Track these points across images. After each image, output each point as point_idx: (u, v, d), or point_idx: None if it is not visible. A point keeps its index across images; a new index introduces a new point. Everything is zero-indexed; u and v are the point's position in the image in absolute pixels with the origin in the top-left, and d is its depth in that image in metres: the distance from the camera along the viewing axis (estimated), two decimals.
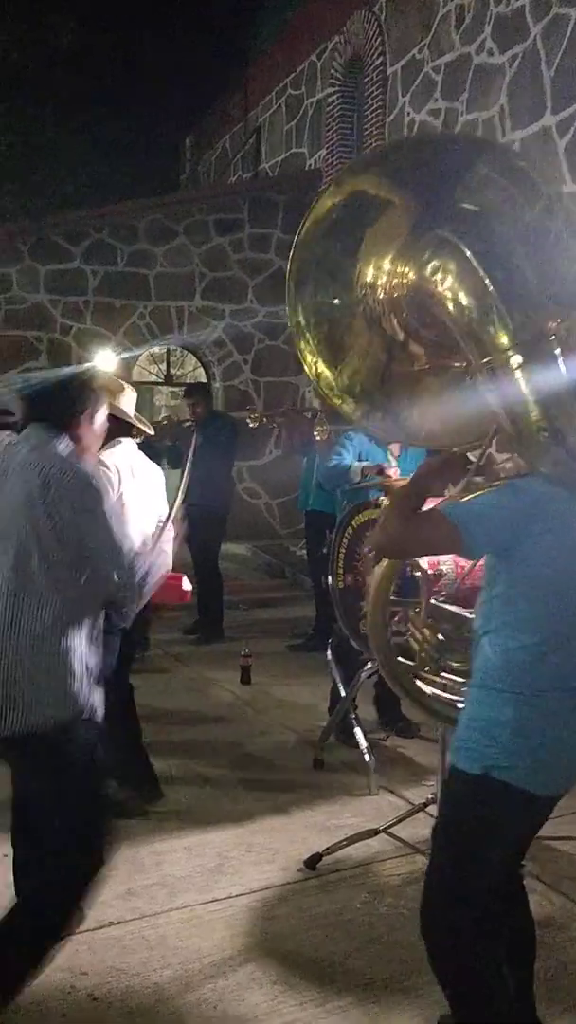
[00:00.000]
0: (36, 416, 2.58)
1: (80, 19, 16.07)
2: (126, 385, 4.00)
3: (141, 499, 3.65)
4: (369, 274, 2.43)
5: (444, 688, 3.00)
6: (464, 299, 2.27)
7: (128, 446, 3.90)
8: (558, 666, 2.16)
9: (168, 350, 12.37)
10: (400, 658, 3.10)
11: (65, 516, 2.41)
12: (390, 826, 3.68)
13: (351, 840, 3.61)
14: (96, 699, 2.52)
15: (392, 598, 3.11)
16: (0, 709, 2.41)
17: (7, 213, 16.19)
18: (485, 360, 2.22)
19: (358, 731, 4.42)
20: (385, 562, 3.00)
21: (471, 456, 2.42)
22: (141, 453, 3.97)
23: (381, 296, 2.41)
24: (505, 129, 8.43)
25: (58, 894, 2.51)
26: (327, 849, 3.56)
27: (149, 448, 7.76)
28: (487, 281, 2.23)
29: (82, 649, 2.48)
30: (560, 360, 2.18)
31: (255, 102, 14.19)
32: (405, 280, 2.38)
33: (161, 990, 2.79)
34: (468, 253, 2.26)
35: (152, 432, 4.18)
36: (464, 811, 2.25)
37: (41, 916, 2.51)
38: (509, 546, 2.15)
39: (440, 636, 2.89)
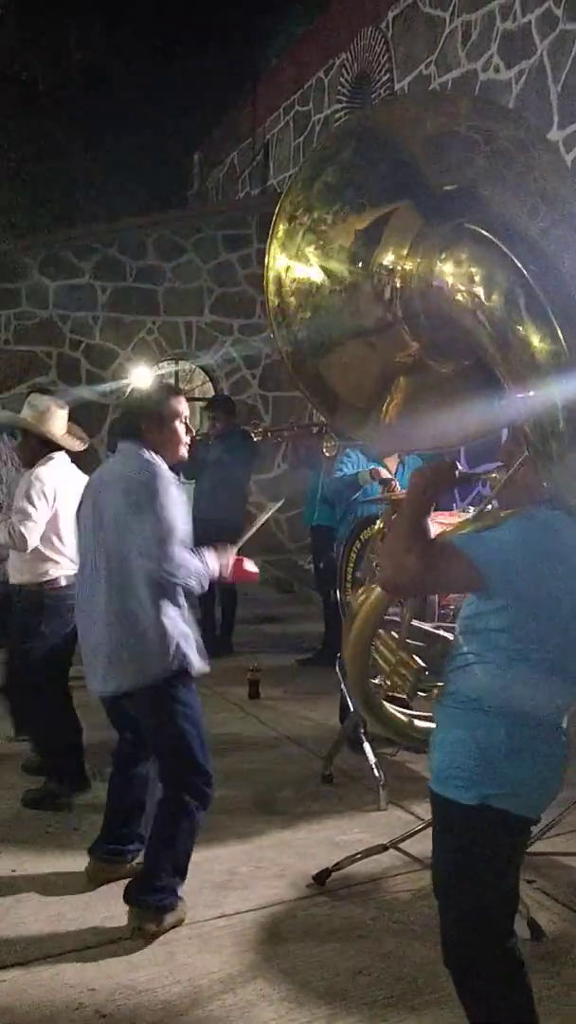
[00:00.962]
0: (120, 434, 3.42)
1: (91, 37, 16.23)
2: (53, 405, 4.35)
3: (72, 508, 3.96)
4: (386, 258, 2.18)
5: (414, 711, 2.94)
6: (495, 301, 1.98)
7: (60, 460, 4.34)
8: (553, 690, 2.12)
9: (177, 364, 12.42)
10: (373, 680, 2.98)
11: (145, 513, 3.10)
12: (399, 841, 3.67)
13: (360, 856, 3.59)
14: (191, 655, 3.22)
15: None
16: (115, 671, 3.20)
17: (17, 228, 16.30)
18: (522, 380, 1.96)
19: (367, 746, 4.40)
20: (377, 593, 2.78)
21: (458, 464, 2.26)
22: (72, 466, 4.38)
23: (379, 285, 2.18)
24: None
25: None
26: (336, 865, 3.55)
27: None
28: (526, 275, 1.93)
29: (174, 618, 3.18)
30: None
31: (263, 118, 14.28)
32: (418, 272, 2.14)
33: (170, 1007, 2.77)
34: (501, 245, 2.00)
35: (83, 447, 4.53)
36: (473, 845, 2.15)
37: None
38: (529, 587, 2.05)
39: (418, 661, 2.75)
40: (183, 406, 3.41)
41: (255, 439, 7.35)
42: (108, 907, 3.32)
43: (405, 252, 2.13)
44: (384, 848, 3.63)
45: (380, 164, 2.19)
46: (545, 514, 2.08)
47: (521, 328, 1.91)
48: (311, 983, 2.90)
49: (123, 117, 17.19)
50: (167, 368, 12.32)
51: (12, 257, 11.17)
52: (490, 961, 2.16)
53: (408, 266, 2.13)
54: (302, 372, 2.34)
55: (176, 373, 12.54)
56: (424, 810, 4.09)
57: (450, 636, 2.47)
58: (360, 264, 2.16)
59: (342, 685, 4.69)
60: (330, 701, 5.34)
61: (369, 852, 3.60)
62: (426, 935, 3.14)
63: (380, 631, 2.86)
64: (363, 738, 4.45)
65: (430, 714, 2.57)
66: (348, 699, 4.61)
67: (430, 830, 3.59)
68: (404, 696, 2.82)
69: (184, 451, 3.43)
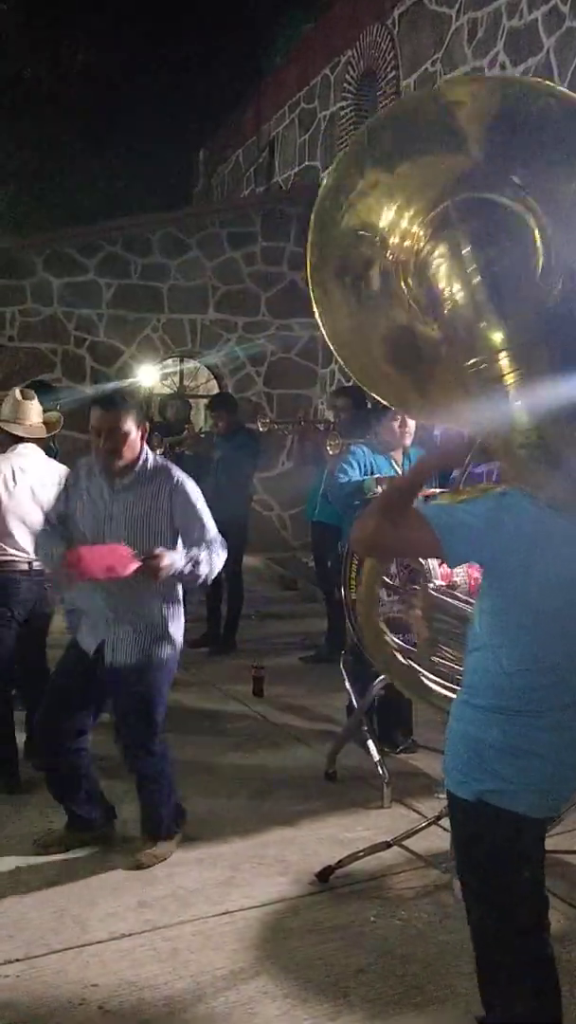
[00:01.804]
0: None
1: (95, 35, 16.22)
2: (15, 396, 4.58)
3: (30, 495, 4.44)
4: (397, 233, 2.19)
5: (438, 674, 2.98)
6: (457, 288, 2.04)
7: (21, 449, 4.50)
8: (548, 687, 2.08)
9: (182, 361, 12.42)
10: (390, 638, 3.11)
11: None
12: (403, 839, 3.66)
13: (364, 853, 3.58)
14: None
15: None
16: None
17: (22, 226, 16.31)
18: (472, 362, 2.03)
19: (371, 743, 4.40)
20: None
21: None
22: (40, 456, 4.57)
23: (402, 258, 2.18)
24: None
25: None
26: (339, 862, 3.54)
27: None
28: (477, 274, 1.99)
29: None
30: (556, 373, 1.99)
31: (268, 116, 14.26)
32: (413, 255, 2.17)
33: (172, 1003, 2.77)
34: (461, 236, 2.02)
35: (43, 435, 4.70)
36: (471, 844, 2.17)
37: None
38: (491, 561, 2.08)
39: (435, 629, 2.86)
40: (94, 418, 3.52)
41: (262, 430, 7.35)
42: (111, 903, 3.33)
43: (414, 223, 2.15)
44: (388, 845, 3.62)
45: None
46: (515, 492, 2.08)
47: (476, 313, 1.98)
48: (314, 980, 2.89)
49: (128, 115, 17.19)
50: (171, 366, 12.33)
51: (17, 254, 11.18)
52: (509, 958, 2.15)
53: (411, 240, 2.15)
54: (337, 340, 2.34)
55: (180, 371, 12.54)
56: (428, 807, 4.09)
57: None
58: (377, 240, 2.18)
59: (346, 683, 4.68)
60: (334, 698, 5.33)
61: (373, 849, 3.60)
62: (429, 932, 3.14)
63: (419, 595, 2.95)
64: (367, 735, 4.44)
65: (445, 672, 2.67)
66: (352, 697, 4.61)
67: (434, 827, 3.61)
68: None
69: (104, 459, 3.55)
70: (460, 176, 2.13)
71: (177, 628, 3.72)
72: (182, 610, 3.76)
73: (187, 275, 11.75)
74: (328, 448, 6.06)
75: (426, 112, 2.21)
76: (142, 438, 3.63)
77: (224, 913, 3.29)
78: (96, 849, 3.74)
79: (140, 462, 3.61)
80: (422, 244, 2.13)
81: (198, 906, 3.32)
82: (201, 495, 3.70)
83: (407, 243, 2.16)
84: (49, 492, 4.38)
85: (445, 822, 3.52)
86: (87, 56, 16.54)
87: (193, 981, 2.88)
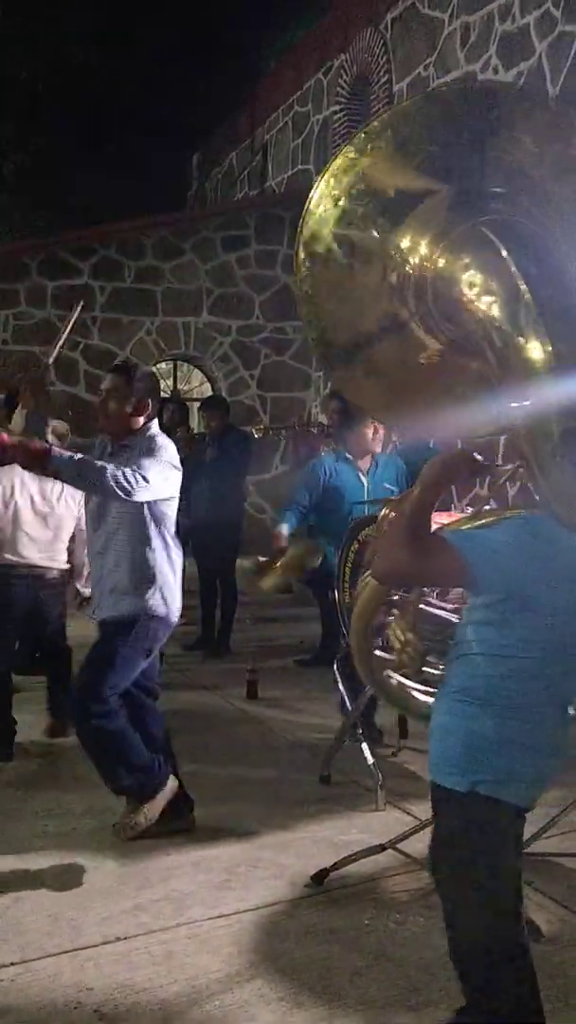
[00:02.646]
0: None
1: (89, 38, 16.22)
2: None
3: (30, 504, 4.82)
4: (404, 243, 2.17)
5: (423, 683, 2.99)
6: (496, 304, 2.00)
7: None
8: (539, 690, 2.15)
9: (175, 364, 12.43)
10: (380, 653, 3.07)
11: None
12: (398, 841, 3.66)
13: (359, 856, 3.59)
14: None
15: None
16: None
17: (16, 229, 16.30)
18: (516, 374, 1.97)
19: (365, 746, 4.40)
20: (373, 584, 2.84)
21: (477, 456, 2.17)
22: None
23: (407, 272, 2.17)
24: None
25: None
26: (334, 865, 3.55)
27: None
28: (523, 285, 1.95)
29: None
30: None
31: (262, 120, 14.28)
32: (433, 267, 2.14)
33: (167, 1006, 2.77)
34: (504, 252, 1.99)
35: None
36: (458, 835, 2.19)
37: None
38: (518, 586, 2.09)
39: (423, 642, 2.80)
40: None
41: (256, 436, 7.38)
42: (106, 906, 3.33)
43: (424, 242, 2.14)
44: (382, 848, 3.63)
45: (450, 138, 2.16)
46: (540, 518, 2.10)
47: (518, 336, 1.94)
48: (309, 983, 2.90)
49: (122, 118, 17.20)
50: (165, 365, 12.32)
51: (11, 257, 11.18)
52: (490, 950, 2.17)
53: (423, 258, 2.14)
54: (327, 357, 2.38)
55: (174, 374, 12.54)
56: (422, 810, 4.09)
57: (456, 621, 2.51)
58: (382, 243, 2.18)
59: (340, 686, 4.69)
60: (328, 702, 5.34)
61: (367, 852, 3.60)
62: (424, 935, 3.15)
63: (396, 611, 2.89)
64: (360, 738, 4.45)
65: (434, 690, 2.60)
66: (346, 700, 4.62)
67: (428, 830, 3.60)
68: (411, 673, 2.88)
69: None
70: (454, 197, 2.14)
71: (152, 598, 3.85)
72: (162, 582, 3.88)
73: (181, 278, 11.76)
74: (323, 454, 6.12)
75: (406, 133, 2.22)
76: (138, 416, 3.81)
77: (219, 916, 3.29)
78: (89, 853, 3.74)
79: (136, 437, 3.78)
80: (435, 263, 2.12)
81: (193, 909, 3.32)
82: (171, 453, 3.79)
83: (413, 261, 2.15)
84: (55, 499, 4.83)
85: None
86: (82, 59, 16.54)
87: (188, 984, 2.88)
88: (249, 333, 12.00)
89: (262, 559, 5.56)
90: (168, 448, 3.77)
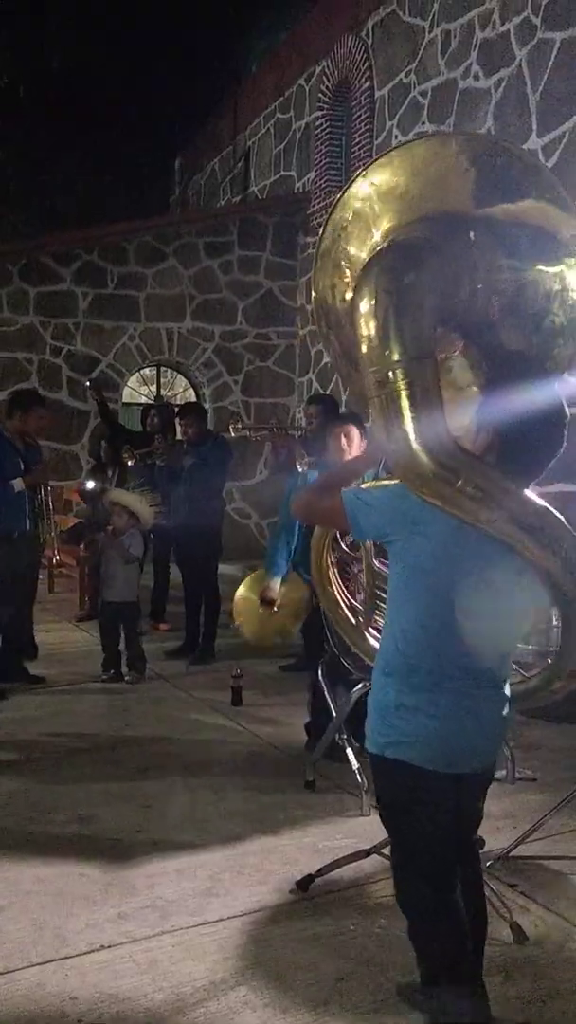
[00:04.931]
0: None
1: (72, 43, 16.21)
2: None
3: None
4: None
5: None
6: (368, 309, 2.34)
7: None
8: (429, 657, 2.36)
9: (159, 370, 12.43)
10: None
11: None
12: (382, 847, 3.66)
13: (343, 861, 3.59)
14: None
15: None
16: None
17: None
18: (373, 368, 2.31)
19: (350, 751, 4.41)
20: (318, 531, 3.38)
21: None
22: None
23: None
24: None
25: None
26: (319, 870, 3.54)
27: (149, 468, 7.84)
28: (387, 300, 2.30)
29: None
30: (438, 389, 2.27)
31: (244, 125, 14.31)
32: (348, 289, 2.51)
33: (152, 1015, 2.76)
34: (377, 266, 2.35)
35: None
36: (381, 791, 2.53)
37: None
38: (389, 538, 2.43)
39: (375, 595, 3.29)
40: None
41: (233, 436, 7.39)
42: (90, 915, 3.31)
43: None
44: (367, 853, 3.63)
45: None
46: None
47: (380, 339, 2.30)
48: (295, 989, 2.89)
49: (104, 123, 17.19)
50: (148, 371, 12.32)
51: None
52: (417, 900, 2.48)
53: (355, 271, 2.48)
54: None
55: (158, 380, 12.54)
56: None
57: None
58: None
59: (326, 692, 4.69)
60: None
61: (352, 858, 3.61)
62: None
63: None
64: (345, 743, 4.45)
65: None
66: (330, 704, 4.62)
67: None
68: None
69: None
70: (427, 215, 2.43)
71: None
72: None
73: (164, 284, 11.77)
74: (298, 465, 6.13)
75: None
76: None
77: (204, 923, 3.28)
78: (73, 860, 3.73)
79: None
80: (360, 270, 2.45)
81: (178, 916, 3.31)
82: None
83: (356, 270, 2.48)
84: None
85: None
86: (63, 63, 16.52)
87: (173, 992, 2.87)
88: (232, 339, 12.02)
89: (251, 572, 5.57)
90: None
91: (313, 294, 2.63)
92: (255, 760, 5.01)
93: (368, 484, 2.71)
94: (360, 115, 10.77)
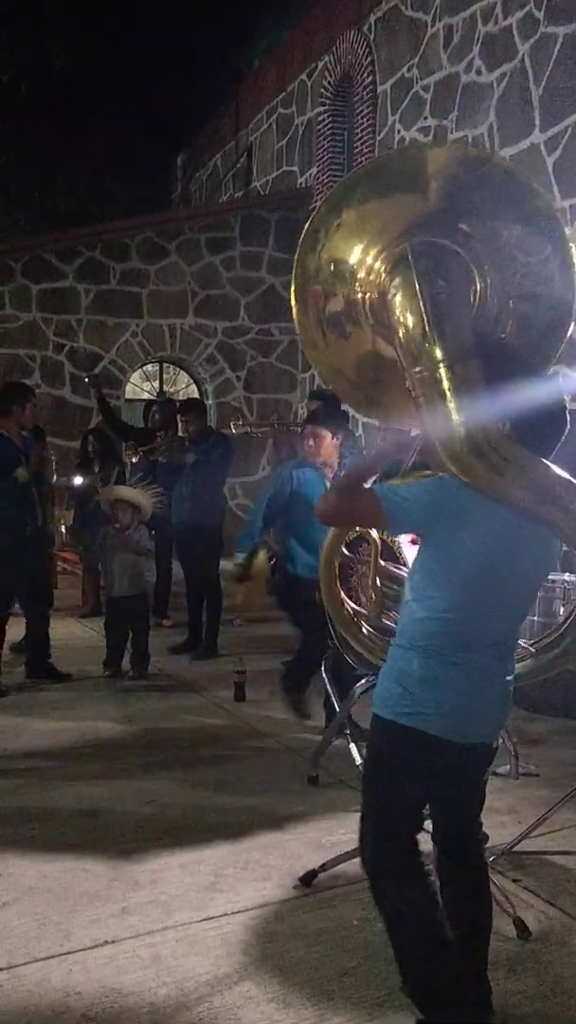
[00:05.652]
0: None
1: (73, 41, 16.19)
2: None
3: None
4: (361, 271, 2.68)
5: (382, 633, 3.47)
6: (409, 317, 2.52)
7: None
8: (456, 633, 2.48)
9: (161, 367, 12.42)
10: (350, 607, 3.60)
11: None
12: None
13: (347, 856, 3.58)
14: None
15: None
16: None
17: (0, 232, 16.24)
18: (417, 369, 2.49)
19: (353, 747, 4.40)
20: (332, 532, 3.43)
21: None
22: None
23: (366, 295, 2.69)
24: (494, 146, 8.49)
25: None
26: (323, 866, 3.55)
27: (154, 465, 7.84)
28: (425, 302, 2.49)
29: None
30: (481, 384, 2.44)
31: (246, 121, 14.29)
32: (376, 286, 2.65)
33: (156, 1010, 2.76)
34: (415, 273, 2.52)
35: None
36: (377, 751, 2.59)
37: None
38: (426, 530, 2.52)
39: (383, 593, 3.42)
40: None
41: (234, 432, 7.38)
42: (94, 910, 3.32)
43: (372, 266, 2.64)
44: None
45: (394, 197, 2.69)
46: (447, 479, 2.51)
47: (424, 343, 2.48)
48: (299, 984, 2.89)
49: (106, 119, 17.17)
50: (151, 367, 12.32)
51: None
52: (392, 864, 2.54)
53: (372, 280, 2.65)
54: (314, 357, 2.85)
55: (160, 376, 12.53)
56: None
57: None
58: (348, 274, 2.69)
59: (328, 686, 4.69)
60: (316, 702, 5.34)
61: (355, 853, 3.57)
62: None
63: (363, 568, 3.54)
64: (348, 739, 4.44)
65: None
66: (333, 700, 4.62)
67: None
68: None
69: None
70: (416, 223, 2.61)
71: None
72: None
73: (166, 280, 11.76)
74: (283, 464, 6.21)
75: (395, 170, 2.75)
76: None
77: (207, 919, 3.28)
78: (77, 856, 3.73)
79: None
80: (383, 279, 2.61)
81: (181, 912, 3.31)
82: None
83: (371, 278, 2.64)
84: None
85: (428, 824, 3.54)
86: (65, 60, 16.50)
87: (177, 987, 2.87)
88: (235, 335, 12.01)
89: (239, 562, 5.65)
90: None
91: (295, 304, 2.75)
92: (258, 756, 5.01)
93: (398, 481, 2.75)
94: (362, 110, 10.75)
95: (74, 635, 7.93)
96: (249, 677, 6.08)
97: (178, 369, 12.44)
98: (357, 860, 3.54)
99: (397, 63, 10.10)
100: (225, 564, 7.65)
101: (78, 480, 8.74)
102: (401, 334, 2.55)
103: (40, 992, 2.84)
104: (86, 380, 10.10)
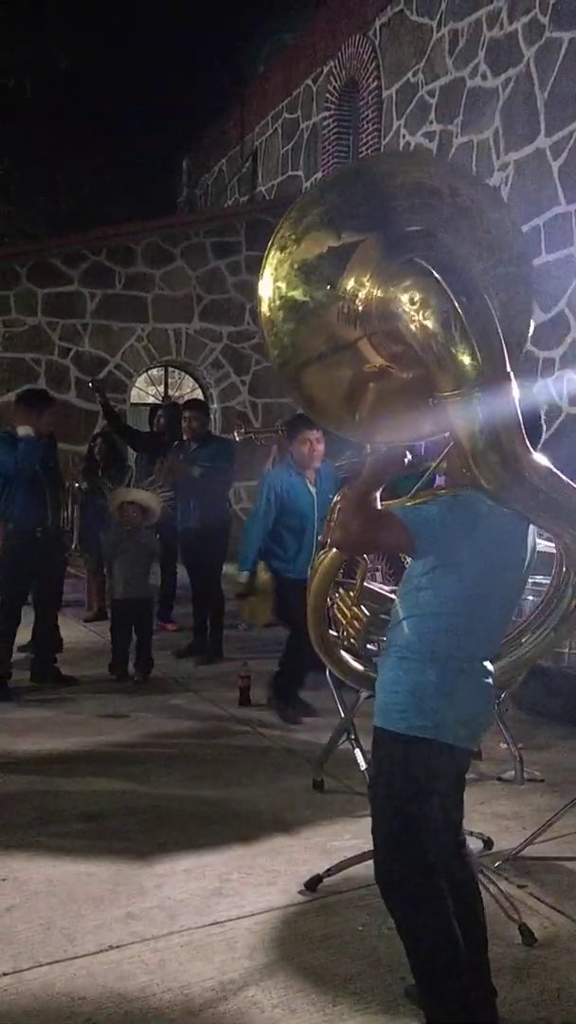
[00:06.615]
0: None
1: (78, 43, 16.23)
2: None
3: None
4: (349, 283, 2.56)
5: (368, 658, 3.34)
6: (432, 324, 2.39)
7: None
8: (470, 645, 2.52)
9: (166, 371, 12.43)
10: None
11: None
12: None
13: (352, 862, 3.58)
14: None
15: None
16: None
17: (5, 236, 16.29)
18: (453, 391, 2.36)
19: (358, 752, 4.40)
20: (333, 552, 3.19)
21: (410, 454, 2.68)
22: None
23: (355, 305, 2.56)
24: (499, 151, 8.50)
25: None
26: (328, 871, 3.54)
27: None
28: (457, 307, 2.36)
29: None
30: (515, 393, 2.36)
31: (252, 126, 14.31)
32: (376, 296, 2.54)
33: (161, 1015, 2.76)
34: (438, 277, 2.42)
35: None
36: (399, 768, 2.52)
37: None
38: (449, 552, 2.49)
39: (367, 615, 3.26)
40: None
41: (238, 439, 7.38)
42: (99, 915, 3.32)
43: (366, 279, 2.53)
44: None
45: (360, 203, 2.59)
46: (468, 494, 2.48)
47: (450, 347, 2.36)
48: (304, 990, 2.89)
49: (111, 124, 17.21)
50: (156, 371, 12.33)
51: (0, 264, 11.17)
52: (410, 878, 2.52)
53: (368, 291, 2.54)
54: (287, 375, 2.73)
55: (165, 380, 12.55)
56: None
57: (395, 598, 2.84)
58: (330, 287, 2.56)
59: (334, 692, 4.68)
60: (320, 708, 5.34)
61: (360, 858, 3.59)
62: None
63: (340, 590, 3.32)
64: (353, 743, 4.44)
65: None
66: (338, 705, 4.61)
67: None
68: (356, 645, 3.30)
69: None
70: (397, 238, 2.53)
71: None
72: None
73: (171, 285, 11.77)
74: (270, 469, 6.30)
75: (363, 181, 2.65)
76: None
77: (212, 924, 3.28)
78: (82, 860, 3.73)
79: None
80: (377, 292, 2.50)
81: (186, 917, 3.31)
82: None
83: (360, 293, 2.52)
84: None
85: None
86: (70, 64, 16.54)
87: (182, 993, 2.87)
88: (240, 339, 12.02)
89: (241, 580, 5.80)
90: None
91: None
92: (262, 760, 5.01)
93: (411, 503, 2.68)
94: (368, 115, 10.76)
95: (79, 639, 7.93)
96: (254, 682, 6.07)
97: (183, 373, 12.45)
98: (362, 865, 3.56)
99: (402, 68, 10.11)
100: (226, 568, 7.66)
101: (84, 484, 8.77)
102: (421, 344, 2.43)
103: (45, 997, 2.84)
104: (89, 386, 10.13)
